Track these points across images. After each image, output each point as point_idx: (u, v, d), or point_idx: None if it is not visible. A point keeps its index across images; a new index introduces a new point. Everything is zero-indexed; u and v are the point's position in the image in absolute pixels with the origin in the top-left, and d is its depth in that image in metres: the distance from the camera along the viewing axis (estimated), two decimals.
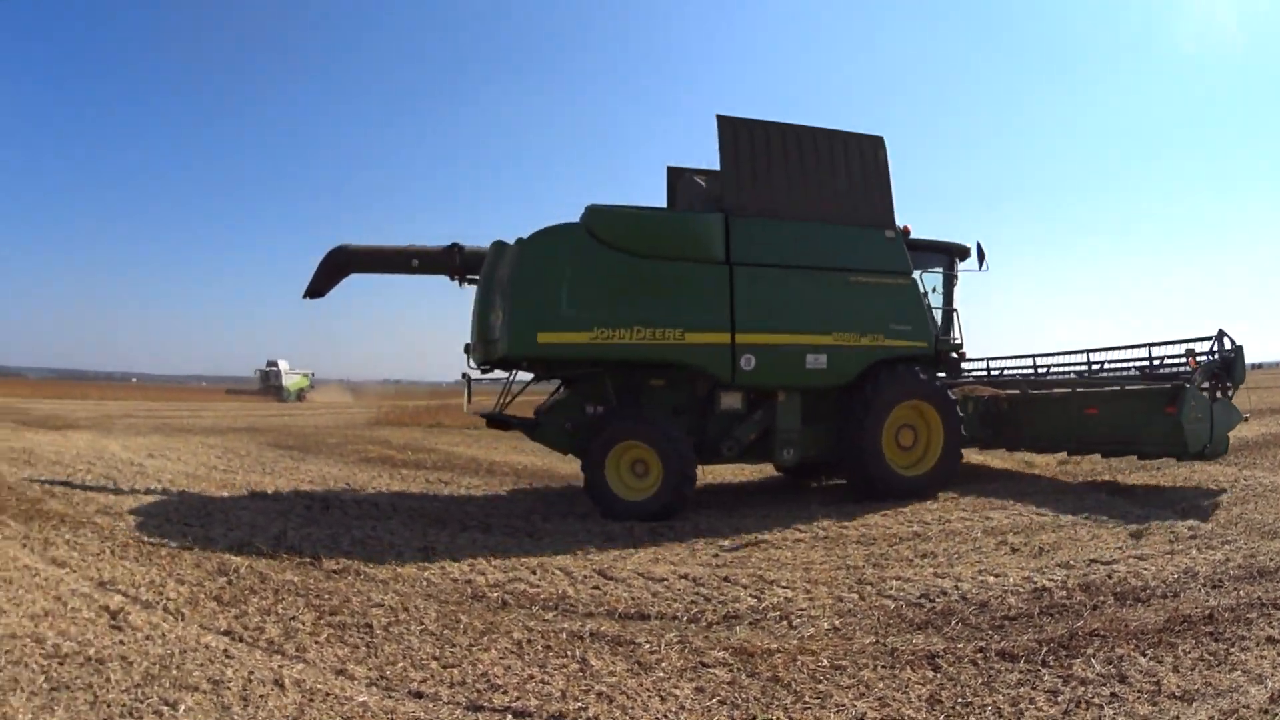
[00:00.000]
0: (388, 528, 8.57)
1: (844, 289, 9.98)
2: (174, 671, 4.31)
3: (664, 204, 11.39)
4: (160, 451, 16.06)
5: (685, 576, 6.53)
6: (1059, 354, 13.36)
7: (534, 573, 6.68)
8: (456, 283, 10.94)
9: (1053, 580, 6.04)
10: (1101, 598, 5.57)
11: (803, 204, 9.98)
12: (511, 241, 9.67)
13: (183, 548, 7.36)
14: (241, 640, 4.94)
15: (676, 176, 11.53)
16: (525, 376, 10.94)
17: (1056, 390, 11.93)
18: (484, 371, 10.96)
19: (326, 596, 5.88)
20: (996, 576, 6.24)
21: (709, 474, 11.80)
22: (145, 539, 7.69)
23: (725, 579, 6.45)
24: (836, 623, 5.30)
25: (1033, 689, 4.13)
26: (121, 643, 4.77)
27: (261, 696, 4.03)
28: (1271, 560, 6.33)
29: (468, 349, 10.74)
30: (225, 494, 10.66)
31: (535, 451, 16.77)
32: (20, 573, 6.31)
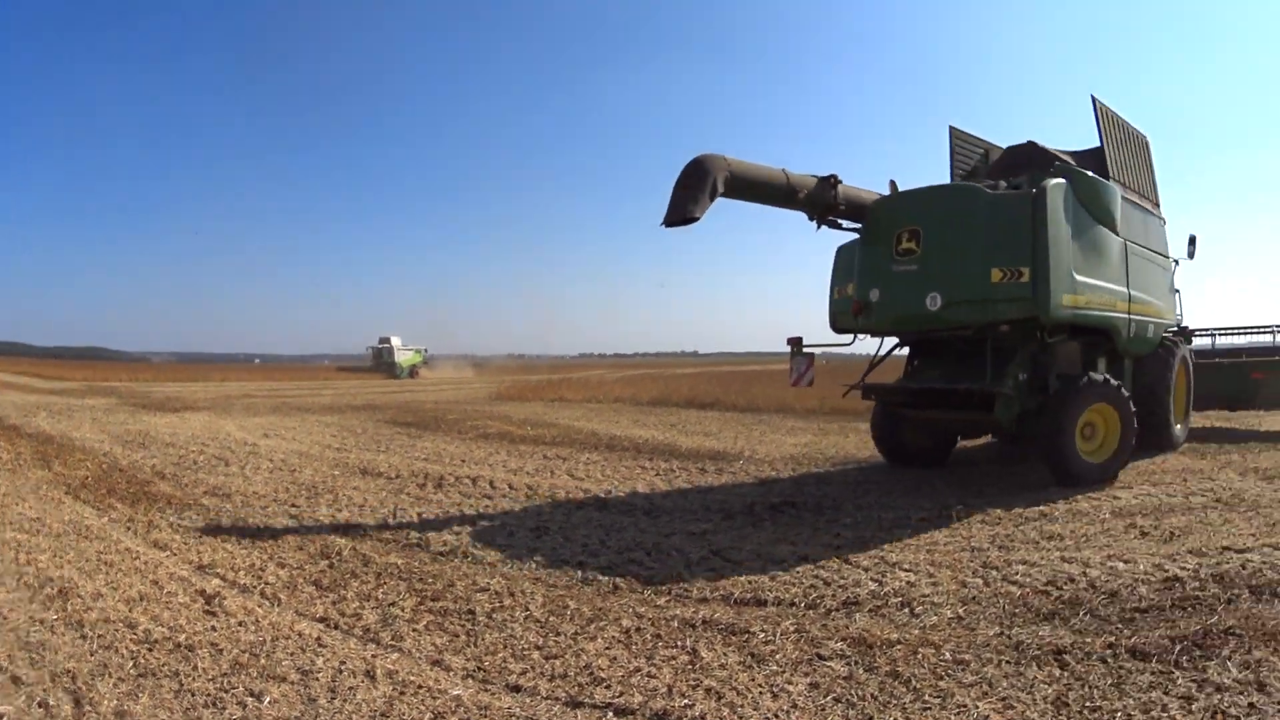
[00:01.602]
0: (501, 506, 8.62)
1: (1156, 266, 10.80)
2: (263, 660, 4.33)
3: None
4: (275, 431, 16.51)
5: (805, 558, 6.44)
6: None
7: (649, 554, 6.64)
8: (815, 225, 9.69)
9: (1184, 569, 5.81)
10: (1236, 590, 5.32)
11: (1136, 187, 10.57)
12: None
13: (287, 529, 7.49)
14: (337, 628, 4.94)
15: (960, 140, 11.81)
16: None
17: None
18: (875, 335, 10.41)
19: (430, 580, 5.88)
20: (1126, 563, 6.05)
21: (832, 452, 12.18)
22: (250, 521, 7.86)
23: (846, 560, 6.36)
24: (960, 611, 5.17)
25: (1165, 694, 3.94)
26: (213, 629, 4.84)
27: (350, 689, 4.01)
28: None
29: (845, 311, 10.02)
30: (337, 473, 10.86)
31: (656, 426, 17.17)
32: (121, 555, 6.50)
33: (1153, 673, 4.18)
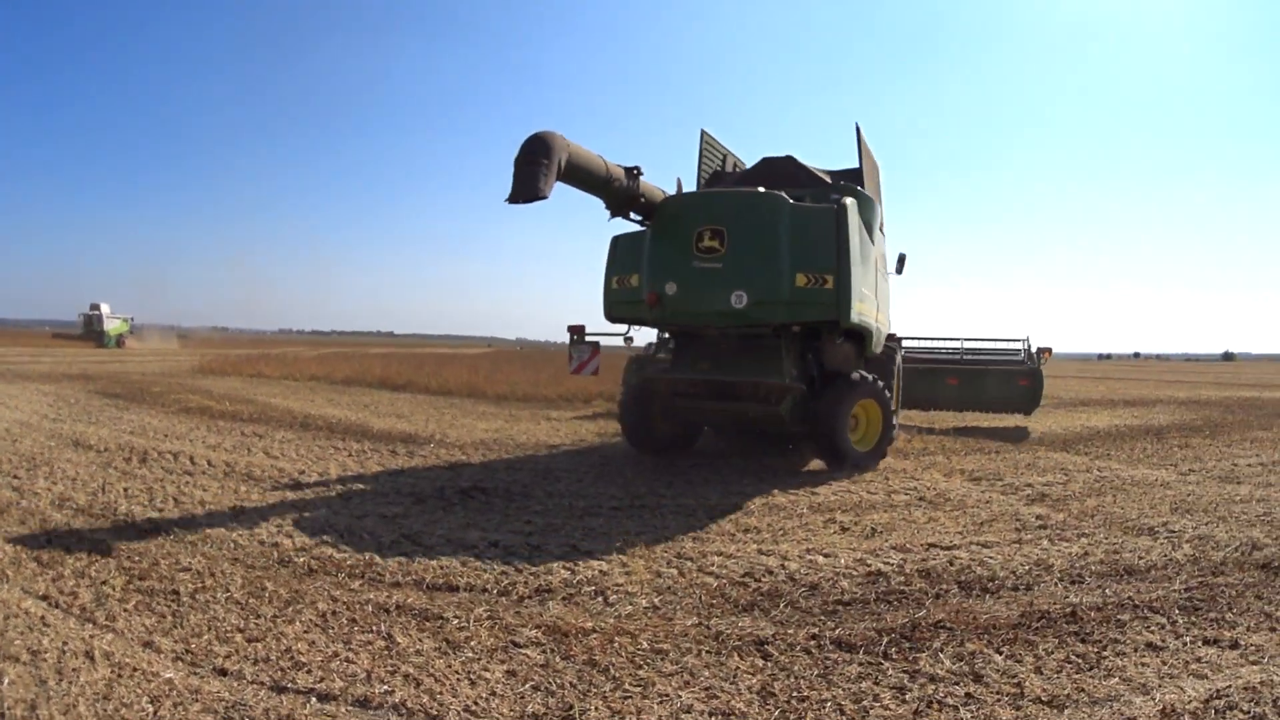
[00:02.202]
0: (200, 484, 8.35)
1: (886, 280, 11.98)
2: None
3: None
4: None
5: (496, 544, 6.20)
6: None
7: (341, 536, 6.36)
8: (610, 215, 9.40)
9: (888, 564, 5.70)
10: (944, 586, 5.20)
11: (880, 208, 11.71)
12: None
13: (10, 503, 7.14)
14: (58, 606, 4.71)
15: (709, 144, 12.11)
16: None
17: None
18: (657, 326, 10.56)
19: (137, 559, 5.64)
20: (826, 557, 5.89)
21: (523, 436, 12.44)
22: None
23: (537, 548, 6.14)
24: (655, 600, 4.93)
25: (876, 684, 3.69)
26: None
27: (74, 670, 3.82)
28: (1140, 558, 5.97)
29: (624, 300, 9.84)
30: (53, 444, 10.56)
31: (349, 406, 16.94)
32: None
33: (861, 664, 3.96)
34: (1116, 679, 3.80)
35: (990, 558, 5.88)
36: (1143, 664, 4.00)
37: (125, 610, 4.64)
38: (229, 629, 4.40)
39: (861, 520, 7.07)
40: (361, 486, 8.41)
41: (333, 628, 4.45)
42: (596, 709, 3.48)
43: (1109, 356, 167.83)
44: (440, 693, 3.67)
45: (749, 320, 9.07)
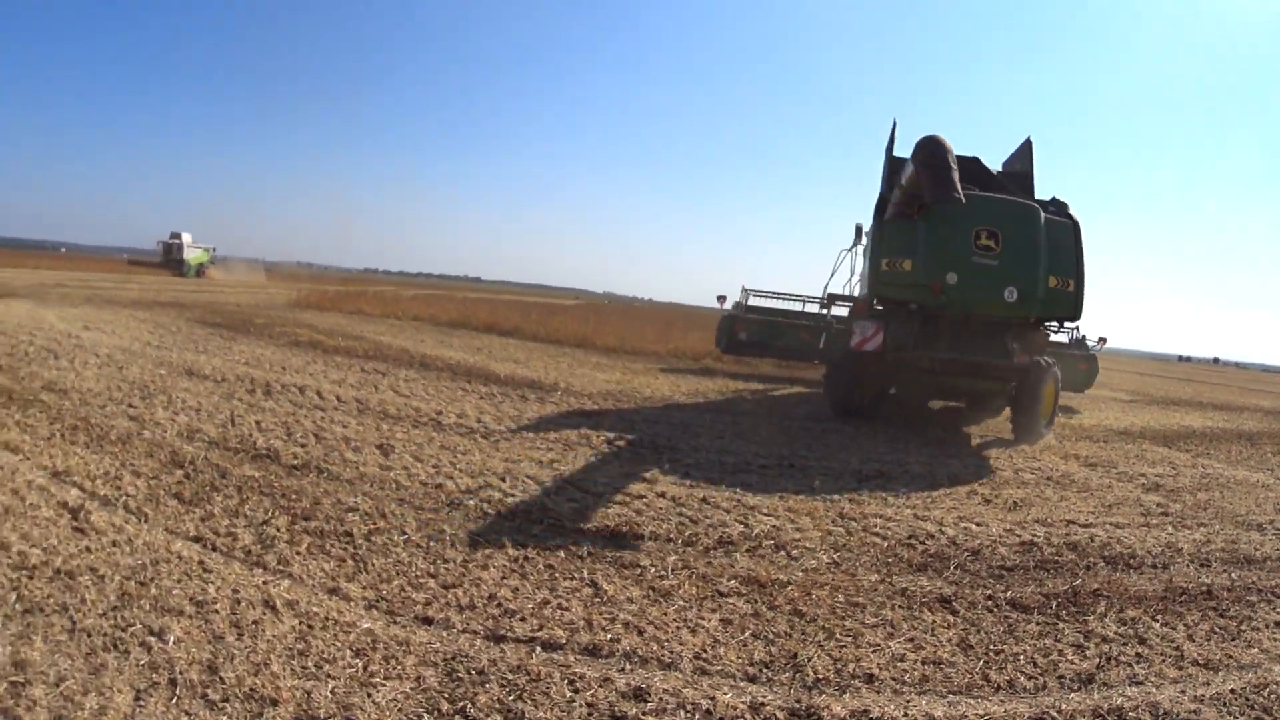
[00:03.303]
0: (336, 420, 8.25)
1: None
2: (152, 590, 3.82)
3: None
4: (94, 324, 15.36)
5: (663, 495, 6.40)
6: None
7: (503, 480, 6.45)
8: (914, 213, 10.75)
9: (1036, 536, 6.18)
10: (1092, 559, 5.73)
11: None
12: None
13: (131, 433, 6.90)
14: (215, 549, 4.49)
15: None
16: None
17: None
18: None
19: (294, 497, 5.52)
20: (979, 525, 6.38)
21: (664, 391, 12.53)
22: (93, 421, 7.19)
23: (703, 500, 6.36)
24: (835, 557, 5.28)
25: (1056, 640, 4.22)
26: (88, 549, 4.25)
27: (254, 622, 3.63)
28: (1256, 550, 6.47)
29: (895, 282, 10.88)
30: (163, 372, 10.26)
31: (463, 349, 17.17)
32: None
33: (1038, 623, 4.46)
34: (1256, 650, 4.36)
35: (1125, 537, 6.38)
36: (1275, 639, 4.54)
37: (298, 554, 4.50)
38: (419, 574, 4.37)
39: (1000, 494, 7.57)
40: (505, 429, 8.56)
41: (531, 574, 4.51)
42: (819, 657, 3.76)
43: (1188, 359, 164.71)
44: (666, 641, 3.79)
45: (1015, 313, 10.64)
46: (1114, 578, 5.33)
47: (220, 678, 3.10)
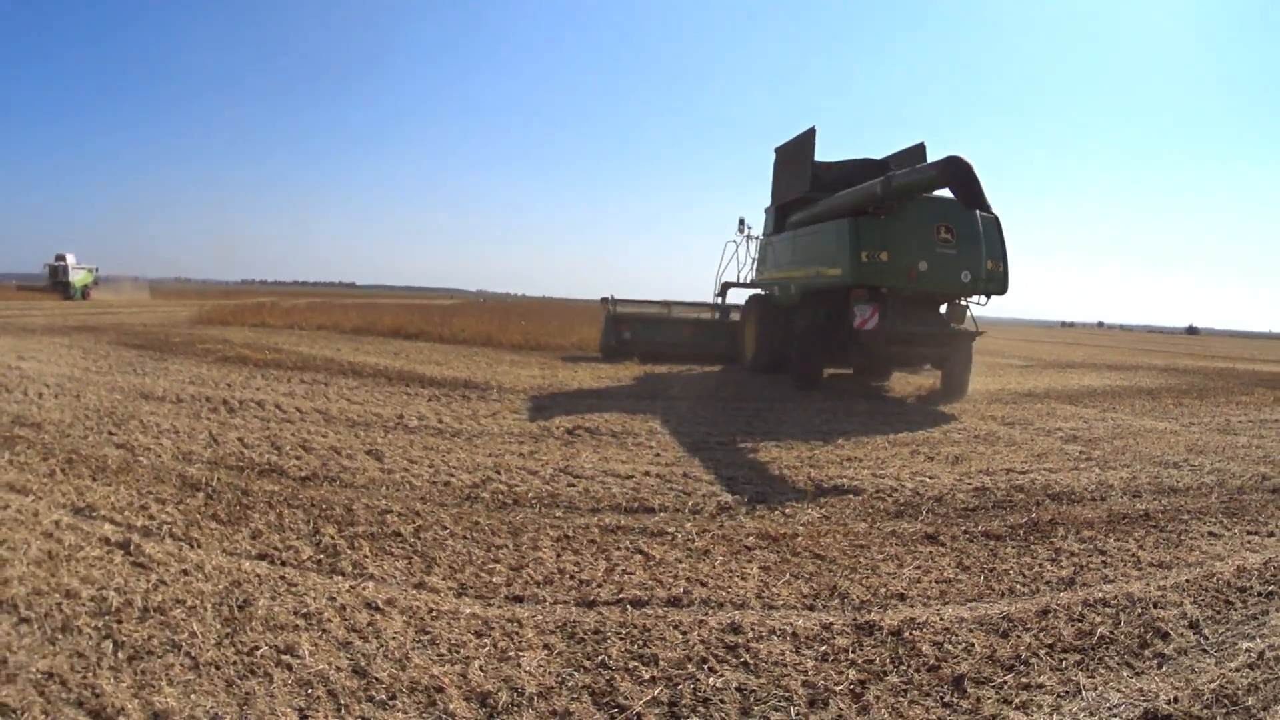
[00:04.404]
0: (312, 430, 8.44)
1: None
2: (254, 611, 3.84)
3: None
4: (27, 354, 14.73)
5: (648, 474, 6.95)
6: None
7: (498, 473, 6.83)
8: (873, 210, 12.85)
9: (985, 483, 7.08)
10: (1038, 497, 6.65)
11: None
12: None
13: (127, 461, 6.80)
14: (285, 564, 4.55)
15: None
16: None
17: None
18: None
19: (324, 506, 5.67)
20: (931, 478, 7.21)
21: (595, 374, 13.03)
22: (83, 452, 7.06)
23: (686, 474, 7.00)
24: (822, 512, 6.00)
25: (1034, 558, 5.08)
26: (162, 583, 4.14)
27: (368, 625, 3.75)
28: (1178, 482, 7.49)
29: (875, 270, 12.68)
30: (118, 397, 10.14)
31: (381, 354, 17.37)
32: None
33: (1014, 546, 5.35)
34: (1198, 552, 5.34)
35: (1061, 479, 7.32)
36: (1211, 544, 5.55)
37: (366, 558, 4.65)
38: (483, 561, 4.67)
39: (939, 451, 8.51)
40: (469, 428, 8.86)
41: (582, 549, 4.94)
42: (854, 586, 4.43)
43: (1072, 324, 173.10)
44: (727, 588, 4.34)
45: (968, 291, 13.10)
46: (1062, 510, 6.26)
47: (374, 679, 3.23)
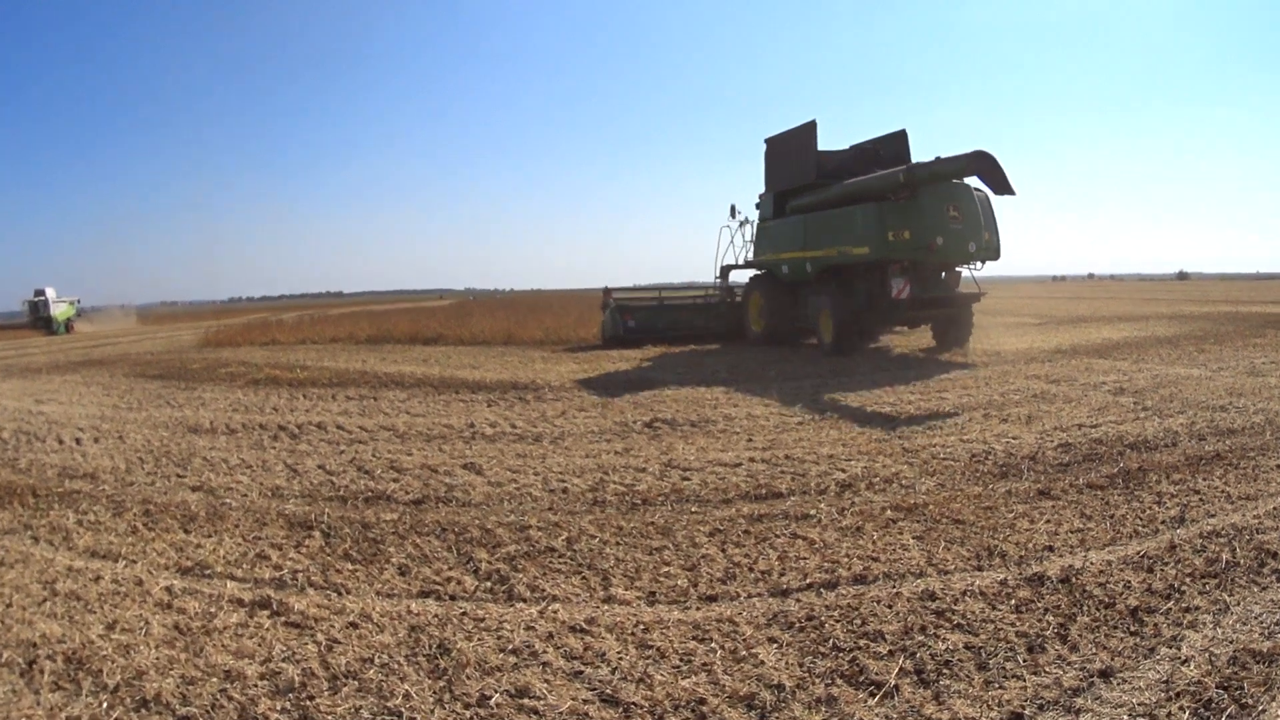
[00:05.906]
0: (391, 449, 8.31)
1: None
2: (457, 658, 3.66)
3: None
4: (43, 396, 14.19)
5: (753, 460, 7.25)
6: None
7: (606, 473, 6.97)
8: (894, 196, 15.01)
9: (1065, 440, 7.76)
10: (1118, 449, 7.37)
11: None
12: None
13: (215, 506, 6.42)
14: (455, 598, 4.42)
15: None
16: None
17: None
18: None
19: (458, 531, 5.56)
20: (1015, 439, 7.86)
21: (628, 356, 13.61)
22: (158, 500, 6.65)
23: (787, 456, 7.35)
24: (935, 482, 6.46)
25: (1140, 503, 5.81)
26: (335, 642, 3.87)
27: (585, 648, 3.73)
28: (1232, 424, 8.21)
29: (904, 244, 14.86)
30: (165, 433, 9.76)
31: (411, 361, 17.47)
32: (79, 582, 4.88)
33: (1120, 493, 6.09)
34: (1275, 484, 6.16)
35: (1131, 430, 8.05)
36: None
37: (537, 579, 4.63)
38: (653, 565, 4.82)
39: (1008, 413, 9.18)
40: (547, 430, 8.94)
41: (742, 541, 5.18)
42: (1005, 543, 4.97)
43: (1063, 278, 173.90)
44: (897, 560, 4.74)
45: (972, 259, 15.64)
46: (1144, 457, 7.03)
47: (630, 704, 3.23)
